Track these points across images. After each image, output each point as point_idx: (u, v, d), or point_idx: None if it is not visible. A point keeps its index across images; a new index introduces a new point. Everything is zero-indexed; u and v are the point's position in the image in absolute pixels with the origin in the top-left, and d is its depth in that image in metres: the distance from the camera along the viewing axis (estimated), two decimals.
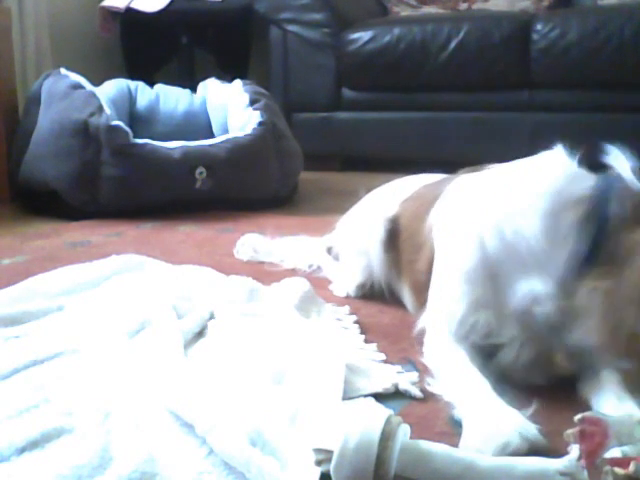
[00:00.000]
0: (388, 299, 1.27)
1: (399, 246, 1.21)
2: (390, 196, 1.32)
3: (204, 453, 0.72)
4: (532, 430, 0.74)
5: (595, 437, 0.68)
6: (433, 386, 0.89)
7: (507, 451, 0.71)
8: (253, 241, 1.60)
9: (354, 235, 1.34)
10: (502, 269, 0.89)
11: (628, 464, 0.66)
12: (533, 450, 0.72)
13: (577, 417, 0.71)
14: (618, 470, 0.66)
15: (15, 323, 1.10)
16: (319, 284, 1.36)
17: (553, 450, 0.73)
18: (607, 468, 0.65)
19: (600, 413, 0.73)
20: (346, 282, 1.34)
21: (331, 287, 1.36)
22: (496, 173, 0.98)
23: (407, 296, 1.20)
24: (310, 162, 2.61)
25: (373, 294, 1.30)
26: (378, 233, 1.25)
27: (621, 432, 0.70)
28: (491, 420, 0.76)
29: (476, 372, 0.86)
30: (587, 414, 0.72)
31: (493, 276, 0.89)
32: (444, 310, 0.95)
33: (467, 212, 0.95)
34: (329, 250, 1.47)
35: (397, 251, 1.22)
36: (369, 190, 1.42)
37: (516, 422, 0.75)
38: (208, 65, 3.35)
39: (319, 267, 1.47)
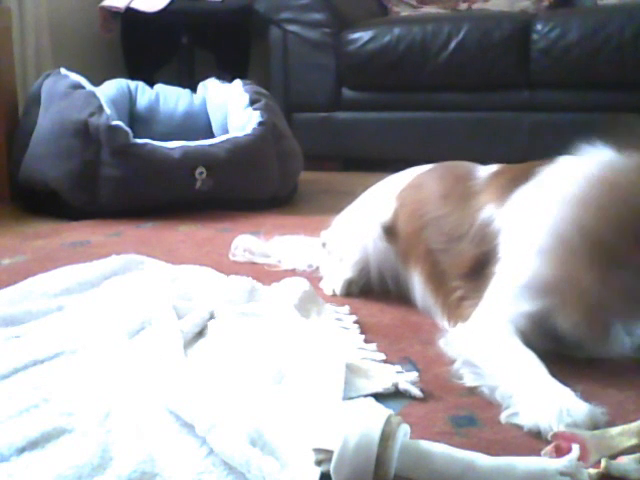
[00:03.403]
0: (388, 296, 1.27)
1: (409, 236, 1.21)
2: (385, 191, 1.33)
3: (204, 453, 0.72)
4: (597, 409, 0.78)
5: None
6: (472, 373, 0.91)
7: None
8: (247, 243, 1.57)
9: (349, 232, 1.35)
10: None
11: (573, 441, 0.70)
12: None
13: (551, 434, 0.73)
14: (592, 470, 0.67)
15: (15, 323, 1.10)
16: (319, 284, 1.36)
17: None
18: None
19: (575, 429, 0.74)
20: (334, 279, 1.33)
21: (321, 285, 1.36)
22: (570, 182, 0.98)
23: (419, 285, 1.19)
24: (310, 162, 2.61)
25: (373, 293, 1.30)
26: (377, 227, 1.27)
27: (600, 445, 0.71)
28: (553, 394, 0.81)
29: (532, 354, 0.89)
30: (561, 431, 0.73)
31: None
32: (513, 308, 0.97)
33: (557, 228, 0.96)
34: (324, 245, 1.46)
35: (402, 241, 1.23)
36: (366, 189, 1.42)
37: (578, 399, 0.80)
38: (208, 65, 3.35)
39: (318, 267, 1.47)
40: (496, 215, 1.05)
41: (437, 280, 1.13)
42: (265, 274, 1.41)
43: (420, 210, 1.19)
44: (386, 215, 1.26)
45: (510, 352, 0.91)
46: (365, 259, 1.29)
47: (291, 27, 3.01)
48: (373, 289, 1.31)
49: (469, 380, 0.91)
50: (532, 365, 0.87)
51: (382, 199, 1.30)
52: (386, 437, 0.65)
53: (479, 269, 1.03)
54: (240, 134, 2.19)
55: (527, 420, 0.79)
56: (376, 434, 0.65)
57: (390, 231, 1.25)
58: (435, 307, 1.14)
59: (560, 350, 0.95)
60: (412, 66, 2.81)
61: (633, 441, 0.72)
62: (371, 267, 1.30)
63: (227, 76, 2.74)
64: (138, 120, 2.54)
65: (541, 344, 0.93)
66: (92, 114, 2.03)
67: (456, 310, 1.06)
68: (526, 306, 0.96)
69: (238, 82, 2.47)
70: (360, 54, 2.87)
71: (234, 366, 0.93)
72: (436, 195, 1.18)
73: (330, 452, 0.65)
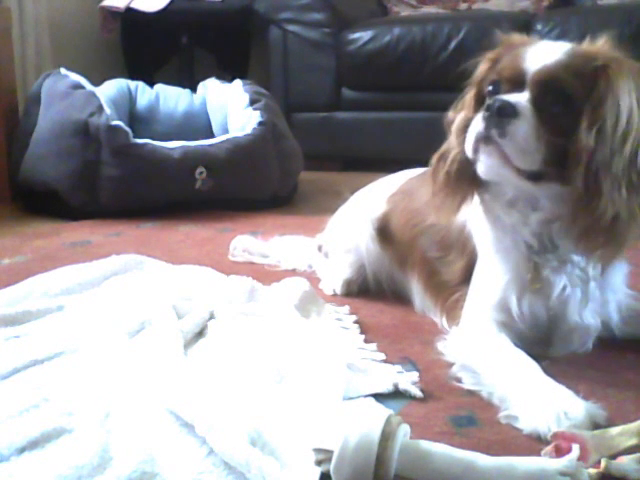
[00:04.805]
0: (388, 296, 1.28)
1: (404, 243, 1.22)
2: (376, 194, 1.34)
3: (204, 453, 0.72)
4: (595, 407, 0.79)
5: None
6: (470, 377, 0.91)
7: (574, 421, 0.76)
8: (246, 243, 1.57)
9: (343, 233, 1.36)
10: None
11: (573, 441, 0.70)
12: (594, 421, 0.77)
13: (550, 434, 0.73)
14: (592, 470, 0.67)
15: (15, 323, 1.10)
16: (319, 284, 1.36)
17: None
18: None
19: (575, 429, 0.74)
20: (333, 279, 1.34)
21: (320, 286, 1.36)
22: None
23: (417, 289, 1.21)
24: (310, 162, 2.61)
25: (372, 294, 1.30)
26: (369, 229, 1.29)
27: (600, 445, 0.71)
28: (550, 396, 0.81)
29: (523, 353, 0.90)
30: (561, 431, 0.73)
31: None
32: (493, 304, 0.99)
33: None
34: (319, 249, 1.47)
35: (397, 246, 1.24)
36: (353, 191, 1.43)
37: (576, 398, 0.80)
38: (208, 65, 3.35)
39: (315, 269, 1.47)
40: (467, 219, 1.07)
41: (436, 286, 1.15)
42: (265, 274, 1.41)
43: (414, 219, 1.21)
44: (376, 217, 1.28)
45: (502, 354, 0.91)
46: (360, 260, 1.31)
47: (291, 27, 3.01)
48: (370, 289, 1.32)
49: (468, 383, 0.91)
50: (525, 365, 0.88)
51: (373, 201, 1.32)
52: (386, 437, 0.65)
53: (470, 276, 1.06)
54: (240, 134, 2.19)
55: (526, 424, 0.79)
56: (376, 434, 0.65)
57: (381, 233, 1.28)
58: (434, 309, 1.15)
59: (540, 351, 0.96)
60: (412, 66, 2.81)
61: (633, 441, 0.72)
62: (366, 267, 1.31)
63: (227, 76, 2.74)
64: (138, 120, 2.54)
65: (524, 332, 0.96)
66: (92, 114, 2.03)
67: (453, 312, 1.08)
68: (495, 297, 0.98)
69: (238, 82, 2.47)
70: (360, 54, 2.87)
71: (234, 366, 0.93)
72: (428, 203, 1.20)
73: (330, 452, 0.65)
